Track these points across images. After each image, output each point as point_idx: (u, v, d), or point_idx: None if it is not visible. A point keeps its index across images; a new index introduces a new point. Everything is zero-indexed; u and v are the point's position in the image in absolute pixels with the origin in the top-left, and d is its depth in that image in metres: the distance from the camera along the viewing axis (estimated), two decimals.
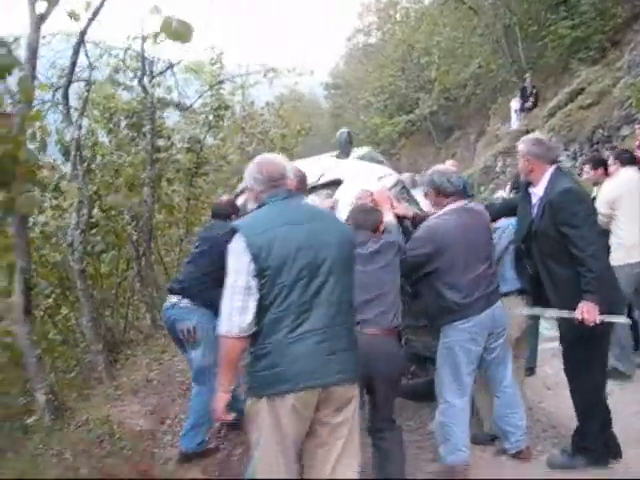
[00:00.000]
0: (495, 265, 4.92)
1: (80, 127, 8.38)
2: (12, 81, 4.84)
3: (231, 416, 3.35)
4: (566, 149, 14.95)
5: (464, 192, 4.81)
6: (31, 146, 4.35)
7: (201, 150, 12.03)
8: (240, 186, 6.89)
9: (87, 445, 5.12)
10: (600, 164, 6.88)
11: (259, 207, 3.46)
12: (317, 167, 5.85)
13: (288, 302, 3.11)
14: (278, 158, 3.63)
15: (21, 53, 6.05)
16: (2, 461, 5.79)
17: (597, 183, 6.88)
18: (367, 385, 4.06)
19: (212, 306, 4.96)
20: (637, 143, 7.73)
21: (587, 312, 4.18)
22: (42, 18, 6.11)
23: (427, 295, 4.72)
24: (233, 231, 3.26)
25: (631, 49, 15.01)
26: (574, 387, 4.67)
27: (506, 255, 5.17)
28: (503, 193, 6.41)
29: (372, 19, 39.88)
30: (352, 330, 3.39)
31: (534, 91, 19.63)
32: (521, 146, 4.79)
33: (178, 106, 12.77)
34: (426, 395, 5.59)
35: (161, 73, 11.56)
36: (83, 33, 7.68)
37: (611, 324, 4.47)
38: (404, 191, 5.64)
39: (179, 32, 4.26)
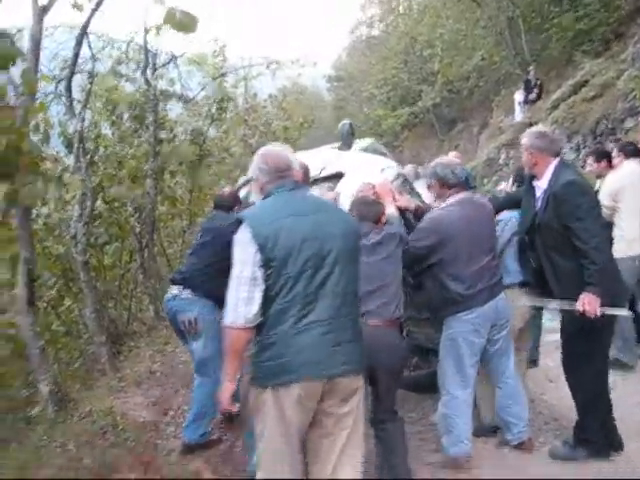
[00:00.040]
0: (498, 257, 4.93)
1: (83, 119, 8.38)
2: (15, 73, 4.85)
3: (236, 407, 3.35)
4: (569, 141, 14.92)
5: (467, 184, 4.81)
6: (34, 138, 4.35)
7: (204, 142, 12.03)
8: (242, 179, 6.90)
9: (90, 436, 5.14)
10: (603, 156, 6.88)
11: (265, 198, 3.46)
12: (318, 159, 5.84)
13: (294, 293, 3.11)
14: (284, 149, 3.63)
15: (24, 45, 6.06)
16: (5, 452, 5.82)
17: (600, 175, 6.87)
18: (369, 376, 4.07)
19: (214, 297, 4.98)
20: None
21: (588, 304, 4.19)
22: (45, 10, 6.11)
23: (430, 286, 4.72)
24: (239, 222, 3.26)
25: (635, 41, 14.97)
26: (574, 380, 4.67)
27: (509, 247, 5.17)
28: (506, 186, 6.40)
29: (375, 11, 39.84)
30: (357, 321, 3.40)
31: (538, 83, 19.55)
32: (524, 139, 4.79)
33: (181, 98, 12.75)
34: (428, 387, 5.60)
35: (164, 65, 11.55)
36: (86, 25, 7.68)
37: (614, 317, 4.47)
38: (406, 183, 5.64)
39: (183, 23, 4.26)
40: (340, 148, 6.32)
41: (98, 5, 7.21)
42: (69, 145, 9.15)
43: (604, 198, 6.27)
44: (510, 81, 24.35)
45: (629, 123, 13.17)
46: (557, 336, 4.80)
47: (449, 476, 4.62)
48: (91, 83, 9.05)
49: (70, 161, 8.80)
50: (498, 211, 5.15)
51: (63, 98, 8.72)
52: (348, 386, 3.26)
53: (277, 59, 14.45)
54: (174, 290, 5.19)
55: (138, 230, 10.33)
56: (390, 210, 4.76)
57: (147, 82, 10.50)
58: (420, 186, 5.84)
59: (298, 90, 24.52)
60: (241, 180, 6.81)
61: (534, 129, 4.96)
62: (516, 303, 4.99)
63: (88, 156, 8.73)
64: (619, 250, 5.93)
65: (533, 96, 19.45)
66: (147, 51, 10.59)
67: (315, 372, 3.12)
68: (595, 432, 4.58)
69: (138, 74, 11.00)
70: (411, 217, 5.11)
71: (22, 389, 9.45)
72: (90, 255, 8.78)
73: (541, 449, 4.86)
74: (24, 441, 5.94)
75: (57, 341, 9.78)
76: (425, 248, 4.58)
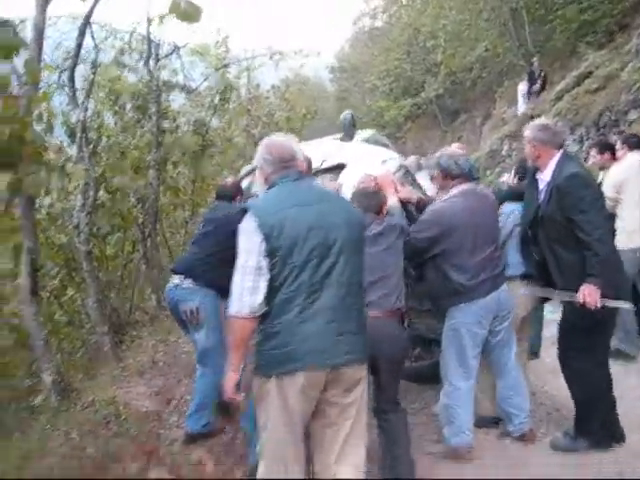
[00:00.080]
0: (500, 249, 4.94)
1: (86, 109, 8.38)
2: (18, 63, 4.85)
3: (241, 396, 3.35)
4: (572, 133, 14.88)
5: (470, 175, 4.81)
6: (37, 128, 4.35)
7: (206, 133, 12.02)
8: (244, 169, 6.90)
9: (93, 426, 5.15)
10: (607, 148, 6.87)
11: (269, 188, 3.46)
12: (319, 151, 5.83)
13: (299, 282, 3.12)
14: (288, 139, 3.63)
15: (27, 35, 6.05)
16: (9, 441, 5.84)
17: (603, 167, 6.87)
18: (371, 366, 4.08)
19: (215, 287, 4.99)
20: None
21: (589, 295, 4.19)
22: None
23: (433, 277, 4.73)
24: (244, 211, 3.27)
25: (639, 33, 14.91)
26: (573, 374, 4.67)
27: (510, 239, 5.17)
28: (508, 177, 6.39)
29: (378, 2, 39.61)
30: (362, 312, 3.42)
31: (542, 74, 19.46)
32: (527, 132, 4.79)
33: (183, 89, 12.75)
34: (430, 378, 5.62)
35: (167, 56, 11.55)
36: (89, 15, 7.66)
37: (615, 310, 4.48)
38: (408, 175, 5.63)
39: (188, 12, 4.25)
40: (342, 139, 6.32)
41: None
42: (72, 135, 9.16)
43: (607, 190, 6.28)
44: (513, 72, 24.28)
45: (633, 115, 13.12)
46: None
47: (450, 466, 4.64)
48: (94, 73, 9.05)
49: (73, 151, 8.81)
50: (501, 203, 5.16)
51: (66, 88, 8.73)
52: (352, 376, 3.28)
53: (280, 50, 14.46)
54: (176, 279, 5.18)
55: (141, 220, 10.35)
56: (392, 201, 4.77)
57: (150, 72, 10.49)
58: (422, 178, 5.84)
59: (301, 81, 24.44)
60: (243, 171, 6.81)
61: (537, 122, 4.95)
62: (517, 292, 5.00)
63: (91, 146, 8.74)
64: (620, 242, 5.93)
65: (537, 87, 19.36)
66: (150, 41, 10.58)
67: (319, 361, 3.13)
68: (597, 423, 4.59)
69: (141, 65, 11.00)
70: (413, 209, 5.11)
71: (25, 379, 9.48)
72: (93, 245, 8.79)
73: (543, 440, 4.88)
74: (27, 430, 5.97)
75: (59, 331, 9.81)
76: (426, 240, 4.58)
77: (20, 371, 9.88)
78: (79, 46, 8.03)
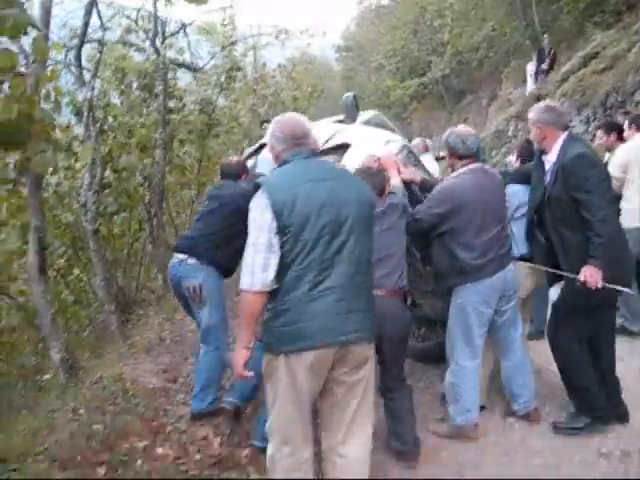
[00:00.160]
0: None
1: (93, 88, 8.39)
2: (25, 41, 4.85)
3: (250, 373, 3.34)
4: (579, 114, 14.81)
5: (477, 155, 4.80)
6: (45, 106, 4.36)
7: (213, 112, 12.01)
8: (247, 150, 6.90)
9: (101, 402, 5.18)
10: (613, 129, 6.85)
11: (280, 166, 3.45)
12: (321, 132, 5.81)
13: (310, 259, 3.12)
14: (300, 117, 3.62)
15: (34, 13, 6.04)
16: (17, 418, 5.90)
17: (610, 148, 6.85)
18: (375, 346, 4.11)
19: (219, 266, 5.01)
20: None
21: (590, 276, 4.18)
22: None
23: (440, 256, 4.70)
24: (256, 188, 3.26)
25: None
26: (564, 353, 4.68)
27: (512, 221, 5.16)
28: (512, 158, 6.39)
29: None
30: (370, 290, 3.42)
31: (552, 52, 19.27)
32: (531, 114, 4.77)
33: (190, 67, 12.74)
34: (435, 357, 5.65)
35: (173, 34, 11.54)
36: None
37: (619, 293, 4.47)
38: (411, 156, 5.62)
39: None
40: (344, 120, 6.30)
41: None
42: (78, 114, 9.18)
43: (614, 170, 6.26)
44: (520, 52, 24.10)
45: (639, 96, 13.06)
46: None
47: (454, 445, 4.69)
48: (100, 52, 9.05)
49: (79, 130, 8.83)
50: (506, 184, 5.15)
51: (72, 67, 8.73)
52: (360, 354, 3.30)
53: (286, 28, 14.42)
54: (180, 256, 5.19)
55: (147, 199, 10.38)
56: (395, 181, 4.77)
57: (156, 51, 10.48)
58: (428, 160, 5.83)
59: (307, 60, 24.39)
60: (247, 151, 6.81)
61: (541, 104, 4.92)
62: (520, 271, 5.02)
63: (97, 125, 8.75)
64: (625, 221, 5.92)
65: (545, 66, 19.18)
66: (157, 19, 10.56)
67: (329, 339, 3.14)
68: (596, 397, 4.59)
69: (147, 43, 10.99)
70: (416, 189, 5.11)
71: (32, 357, 9.55)
72: (99, 224, 8.82)
73: (548, 419, 4.90)
74: (35, 407, 6.02)
75: (66, 310, 9.87)
76: (437, 216, 4.56)
77: (27, 349, 9.97)
78: (86, 25, 8.03)
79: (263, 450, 3.69)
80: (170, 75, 11.14)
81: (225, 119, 12.81)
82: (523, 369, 4.89)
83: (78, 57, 8.34)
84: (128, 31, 11.31)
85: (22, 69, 4.62)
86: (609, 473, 4.14)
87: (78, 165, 9.23)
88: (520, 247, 5.17)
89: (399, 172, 4.91)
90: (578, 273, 4.24)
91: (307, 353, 3.11)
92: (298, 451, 3.31)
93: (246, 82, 14.01)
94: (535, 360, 5.30)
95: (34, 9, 6.12)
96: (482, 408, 5.00)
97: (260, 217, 3.15)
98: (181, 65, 12.41)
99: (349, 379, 3.31)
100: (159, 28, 10.71)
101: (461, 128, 5.00)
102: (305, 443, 3.35)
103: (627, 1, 17.28)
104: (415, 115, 33.19)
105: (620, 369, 4.79)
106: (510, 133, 18.57)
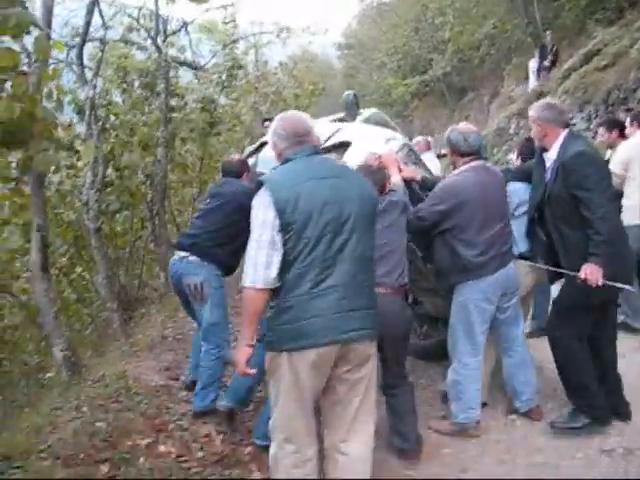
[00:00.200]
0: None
1: (94, 86, 8.40)
2: (27, 40, 4.86)
3: (253, 370, 3.36)
4: (581, 111, 14.79)
5: (479, 153, 4.80)
6: (48, 105, 4.37)
7: (214, 110, 12.02)
8: (248, 148, 6.91)
9: (104, 400, 5.18)
10: (615, 126, 6.84)
11: (283, 164, 3.45)
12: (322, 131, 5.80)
13: (312, 257, 3.12)
14: (303, 115, 3.62)
15: (36, 12, 6.05)
16: (20, 416, 5.91)
17: (612, 146, 6.85)
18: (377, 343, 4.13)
19: (220, 264, 5.02)
20: None
21: (590, 274, 4.17)
22: None
23: (442, 254, 4.71)
24: (259, 185, 3.25)
25: None
26: (565, 350, 4.66)
27: (512, 219, 5.16)
28: (513, 156, 6.39)
29: None
30: (372, 288, 3.42)
31: (554, 48, 19.21)
32: (531, 112, 4.76)
33: (191, 66, 12.75)
34: (437, 355, 5.66)
35: (175, 33, 11.55)
36: None
37: (619, 290, 4.47)
38: (411, 154, 5.62)
39: None
40: (344, 119, 6.30)
41: None
42: (80, 112, 9.19)
43: (615, 167, 6.27)
44: (521, 49, 24.08)
45: None
46: None
47: (456, 442, 4.70)
48: (102, 51, 9.06)
49: (81, 128, 8.85)
50: (507, 182, 5.15)
51: (74, 66, 8.74)
52: (362, 352, 3.30)
53: (287, 26, 14.44)
54: (181, 253, 5.19)
55: (149, 197, 10.39)
56: (395, 179, 4.77)
57: (158, 49, 10.49)
58: (430, 158, 5.83)
59: (308, 58, 24.40)
60: (248, 149, 6.82)
61: (541, 101, 4.92)
62: (520, 269, 5.03)
63: (100, 123, 8.76)
64: (625, 218, 5.92)
65: (547, 63, 19.13)
66: (158, 17, 10.57)
67: (331, 337, 3.13)
68: (595, 396, 4.58)
69: (149, 42, 11.00)
70: (417, 188, 5.12)
71: (35, 355, 9.57)
72: (102, 222, 8.84)
73: (550, 416, 4.90)
74: (37, 405, 6.03)
75: (68, 308, 9.88)
76: (439, 213, 4.57)
77: (30, 347, 9.99)
78: (87, 23, 8.04)
79: (265, 448, 3.71)
80: (172, 73, 11.16)
81: (227, 117, 12.81)
82: (525, 366, 4.90)
83: (80, 56, 8.35)
84: (130, 30, 11.33)
85: (24, 68, 4.63)
86: (611, 471, 4.13)
87: (80, 163, 9.25)
88: (520, 246, 5.18)
89: (399, 170, 4.92)
90: (578, 271, 4.24)
91: (309, 351, 3.11)
92: (302, 449, 3.31)
93: (247, 80, 14.00)
94: (536, 358, 5.30)
95: (36, 8, 6.13)
96: (484, 405, 5.01)
97: (263, 214, 3.15)
98: (183, 63, 12.43)
99: (351, 377, 3.31)
100: (160, 26, 10.72)
101: (463, 125, 5.01)
102: (309, 441, 3.35)
103: None
104: (417, 113, 33.20)
105: (622, 366, 4.78)
106: (512, 131, 18.56)
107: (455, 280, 4.67)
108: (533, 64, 19.93)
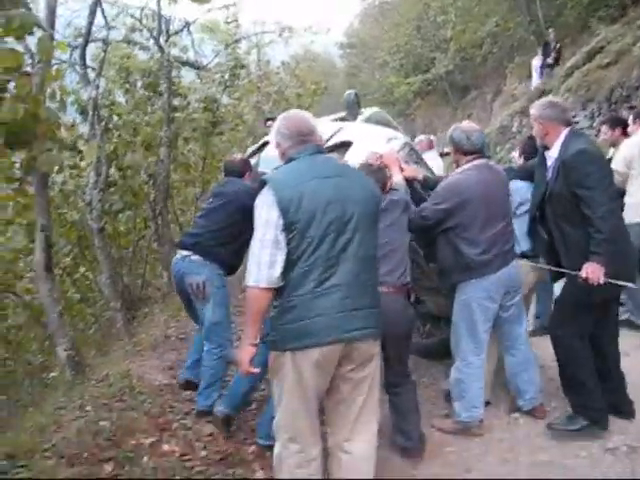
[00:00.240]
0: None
1: (97, 87, 8.41)
2: (30, 41, 4.87)
3: (257, 370, 3.36)
4: (584, 109, 14.77)
5: (481, 152, 4.81)
6: (51, 105, 4.38)
7: (217, 109, 12.02)
8: (250, 148, 6.92)
9: (108, 399, 5.19)
10: (618, 124, 6.83)
11: (286, 163, 3.45)
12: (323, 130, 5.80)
13: (316, 256, 3.12)
14: (306, 114, 3.63)
15: (39, 13, 6.06)
16: (24, 415, 5.92)
17: (614, 144, 6.84)
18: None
19: (223, 263, 5.03)
20: None
21: (592, 272, 4.16)
22: None
23: (444, 252, 4.72)
24: (262, 184, 3.25)
25: None
26: (567, 349, 4.65)
27: (514, 218, 5.16)
28: (516, 155, 6.39)
29: None
30: (376, 287, 3.42)
31: (557, 46, 19.18)
32: (533, 111, 4.75)
33: (194, 65, 12.76)
34: (440, 354, 5.66)
35: (177, 32, 11.56)
36: None
37: (621, 288, 4.47)
38: (412, 153, 5.62)
39: None
40: (345, 118, 6.30)
41: None
42: (83, 112, 9.20)
43: (618, 164, 6.27)
44: (524, 48, 24.04)
45: None
46: None
47: (458, 440, 4.70)
48: (105, 51, 9.07)
49: (85, 129, 8.86)
50: (510, 180, 5.15)
51: (77, 66, 8.75)
52: (366, 351, 3.30)
53: (289, 26, 14.44)
54: (184, 252, 5.19)
55: (152, 197, 10.41)
56: (397, 178, 4.77)
57: (160, 49, 10.50)
58: (433, 156, 5.83)
59: (310, 57, 24.42)
60: (250, 149, 6.82)
61: (543, 100, 4.92)
62: (522, 268, 5.04)
63: (102, 123, 8.78)
64: (627, 216, 5.91)
65: (550, 60, 19.08)
66: (160, 17, 10.58)
67: (334, 336, 3.14)
68: (593, 396, 4.56)
69: (151, 42, 11.01)
70: (419, 187, 5.12)
71: (39, 354, 9.59)
72: (105, 222, 8.85)
73: (553, 414, 4.90)
74: (42, 404, 6.05)
75: (72, 308, 9.90)
76: (442, 211, 4.58)
77: (34, 347, 10.02)
78: (90, 24, 8.05)
79: (268, 448, 3.71)
80: (174, 73, 11.17)
81: (229, 117, 12.82)
82: (528, 365, 4.90)
83: (83, 56, 8.36)
84: (132, 30, 11.34)
85: (28, 69, 4.63)
86: (615, 469, 4.13)
87: (83, 164, 9.27)
88: (522, 244, 5.19)
89: (401, 169, 4.92)
90: (579, 269, 4.23)
91: (313, 350, 3.11)
92: (306, 449, 3.31)
93: (250, 80, 14.01)
94: (540, 356, 5.31)
95: (39, 9, 6.15)
96: (487, 404, 5.01)
97: (266, 214, 3.15)
98: (185, 63, 12.43)
99: (355, 376, 3.31)
100: (163, 26, 10.73)
101: (466, 124, 5.01)
102: (313, 440, 3.35)
103: None
104: (419, 111, 33.18)
105: (625, 364, 4.78)
106: (514, 129, 18.55)
107: (458, 279, 4.67)
108: (536, 62, 19.90)
